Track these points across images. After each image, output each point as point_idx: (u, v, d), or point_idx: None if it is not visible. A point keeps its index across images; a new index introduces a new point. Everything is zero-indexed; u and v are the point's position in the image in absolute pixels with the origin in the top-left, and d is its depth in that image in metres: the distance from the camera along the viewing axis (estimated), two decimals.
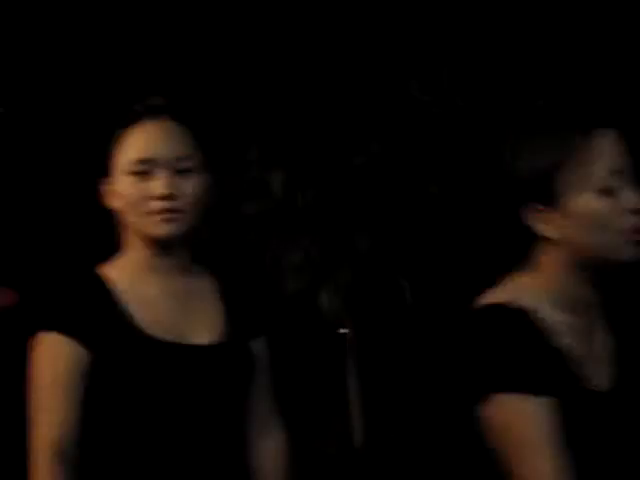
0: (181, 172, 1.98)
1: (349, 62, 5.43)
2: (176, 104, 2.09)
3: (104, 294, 2.01)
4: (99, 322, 1.96)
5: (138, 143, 1.99)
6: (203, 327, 2.04)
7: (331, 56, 5.37)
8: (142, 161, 1.97)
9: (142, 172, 1.97)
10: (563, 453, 1.72)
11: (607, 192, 1.70)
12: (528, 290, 1.78)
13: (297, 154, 5.23)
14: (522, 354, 1.76)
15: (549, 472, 1.71)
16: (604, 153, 1.72)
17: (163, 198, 1.95)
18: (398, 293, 5.13)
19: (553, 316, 1.76)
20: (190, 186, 1.99)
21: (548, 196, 1.71)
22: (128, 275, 2.04)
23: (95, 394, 1.95)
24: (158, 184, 1.96)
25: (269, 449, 2.11)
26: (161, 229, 1.96)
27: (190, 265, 2.08)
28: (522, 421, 1.76)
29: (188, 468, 2.00)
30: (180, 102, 2.11)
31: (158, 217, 1.96)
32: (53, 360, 1.96)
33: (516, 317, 1.73)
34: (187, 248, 2.07)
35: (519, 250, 1.79)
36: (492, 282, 1.88)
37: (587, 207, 1.70)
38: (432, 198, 4.85)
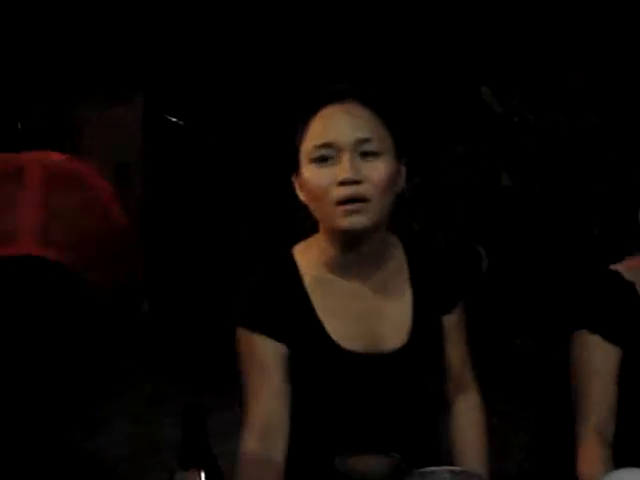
0: (366, 155, 1.78)
1: (440, 77, 5.93)
2: (361, 87, 1.88)
3: (298, 290, 1.88)
4: (291, 321, 1.85)
5: (319, 129, 1.81)
6: (392, 328, 1.90)
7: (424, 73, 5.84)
8: (323, 146, 1.78)
9: (323, 158, 1.78)
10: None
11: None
12: None
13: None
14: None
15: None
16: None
17: (347, 183, 1.75)
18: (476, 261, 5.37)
19: None
20: (377, 170, 1.78)
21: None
22: (317, 268, 1.90)
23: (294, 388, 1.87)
24: (341, 168, 1.76)
25: (462, 412, 2.04)
26: (347, 221, 1.77)
27: (381, 252, 1.90)
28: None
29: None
30: (366, 85, 1.90)
31: (343, 208, 1.76)
32: (250, 355, 1.86)
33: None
34: (378, 238, 1.87)
35: None
36: None
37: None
38: (505, 190, 5.28)
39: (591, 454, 1.97)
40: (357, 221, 1.77)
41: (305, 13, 6.61)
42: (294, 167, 1.85)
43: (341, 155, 1.77)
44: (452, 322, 1.98)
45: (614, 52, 5.49)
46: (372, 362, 1.86)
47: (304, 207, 1.87)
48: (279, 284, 1.88)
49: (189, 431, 1.32)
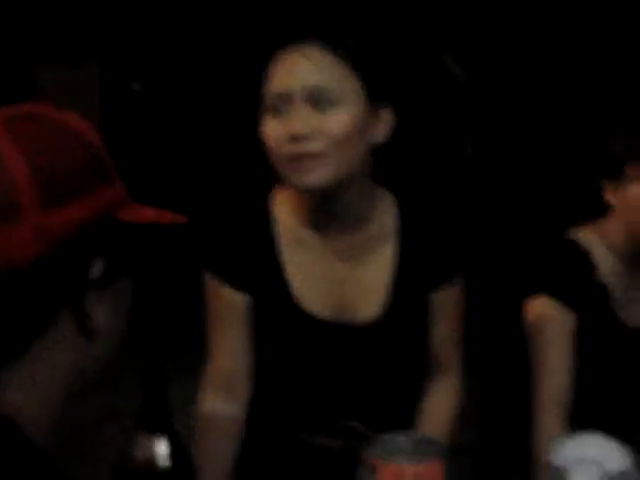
0: (322, 104, 1.61)
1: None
2: (323, 27, 1.69)
3: (268, 240, 1.76)
4: (259, 274, 1.76)
5: (274, 77, 1.65)
6: (366, 298, 1.77)
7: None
8: (276, 96, 1.64)
9: (277, 109, 1.63)
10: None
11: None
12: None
13: None
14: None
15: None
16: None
17: (296, 139, 1.60)
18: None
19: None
20: (333, 122, 1.60)
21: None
22: (292, 222, 1.77)
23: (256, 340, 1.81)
24: (290, 122, 1.61)
25: (434, 394, 1.92)
26: (299, 179, 1.63)
27: (361, 210, 1.73)
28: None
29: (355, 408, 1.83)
30: (330, 25, 1.71)
31: (296, 164, 1.62)
32: (215, 301, 1.79)
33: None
34: (353, 196, 1.71)
35: None
36: None
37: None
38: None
39: (548, 422, 1.99)
40: (309, 180, 1.61)
41: None
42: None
43: (292, 106, 1.62)
44: (439, 300, 1.82)
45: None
46: (337, 331, 1.76)
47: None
48: (249, 232, 1.76)
49: (150, 395, 1.27)
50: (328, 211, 1.71)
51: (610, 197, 2.10)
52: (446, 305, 1.83)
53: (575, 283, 2.09)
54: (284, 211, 1.76)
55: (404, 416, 1.87)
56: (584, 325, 2.09)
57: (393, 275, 1.76)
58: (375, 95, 1.66)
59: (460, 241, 1.84)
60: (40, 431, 1.09)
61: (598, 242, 2.14)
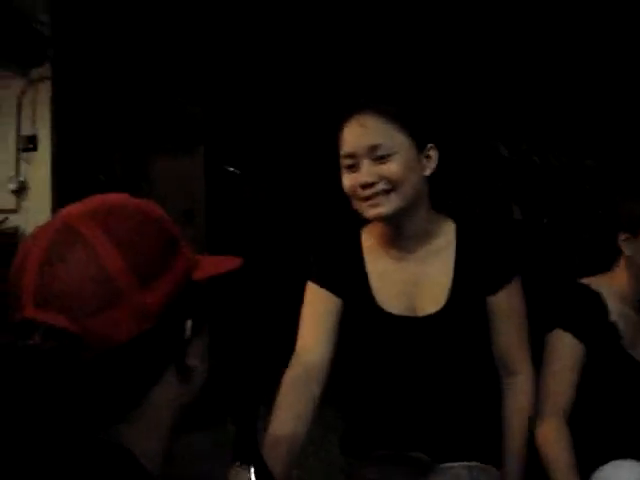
0: (380, 158, 1.93)
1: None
2: (374, 98, 2.01)
3: (356, 256, 2.06)
4: (347, 280, 2.04)
5: (342, 141, 2.00)
6: (428, 297, 2.00)
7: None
8: (346, 156, 1.98)
9: (349, 165, 1.98)
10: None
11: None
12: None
13: None
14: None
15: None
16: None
17: (365, 187, 1.94)
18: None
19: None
20: (390, 169, 1.92)
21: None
22: (374, 243, 2.08)
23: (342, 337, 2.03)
24: (360, 174, 1.95)
25: (514, 392, 2.03)
26: (372, 212, 1.95)
27: (424, 231, 2.02)
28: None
29: (424, 413, 2.00)
30: (379, 95, 2.02)
31: (366, 203, 1.96)
32: (311, 303, 2.05)
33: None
34: (419, 218, 2.01)
35: None
36: None
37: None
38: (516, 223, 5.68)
39: (551, 436, 2.03)
40: (378, 211, 1.94)
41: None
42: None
43: (359, 162, 1.95)
44: (497, 304, 2.00)
45: (607, 103, 5.86)
46: (406, 323, 1.97)
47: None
48: (343, 249, 2.07)
49: (241, 432, 1.38)
50: (398, 231, 2.02)
51: (624, 247, 2.17)
52: (504, 309, 2.00)
53: (586, 319, 2.15)
54: (368, 234, 2.10)
55: (470, 417, 2.03)
56: (596, 358, 2.15)
57: (453, 279, 2.00)
58: (421, 141, 1.98)
59: (506, 254, 2.03)
60: (151, 462, 1.13)
61: (608, 287, 2.21)
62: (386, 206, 1.93)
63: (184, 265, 1.14)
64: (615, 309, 2.18)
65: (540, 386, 2.09)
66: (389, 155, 1.93)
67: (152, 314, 1.08)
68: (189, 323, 1.15)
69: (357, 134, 1.95)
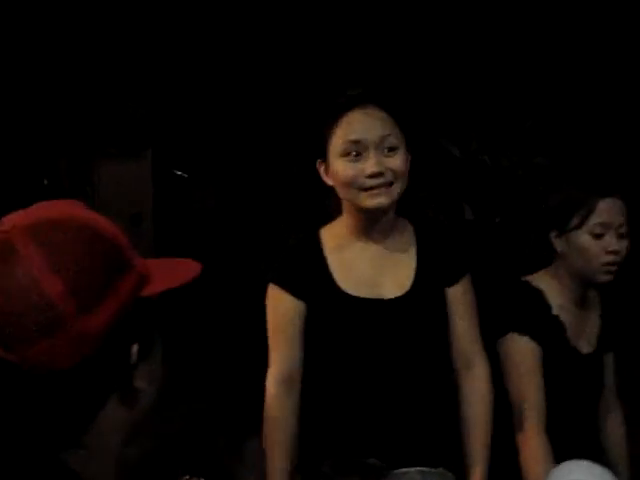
0: (388, 150, 1.97)
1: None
2: (377, 92, 2.05)
3: (317, 254, 2.06)
4: (309, 279, 2.03)
5: (346, 129, 1.99)
6: (394, 283, 2.04)
7: None
8: (352, 142, 1.97)
9: (352, 153, 1.97)
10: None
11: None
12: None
13: None
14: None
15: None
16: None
17: (374, 176, 1.95)
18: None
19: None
20: (396, 162, 1.97)
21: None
22: (338, 238, 2.08)
23: (307, 338, 2.04)
24: (368, 163, 1.96)
25: (472, 383, 2.08)
26: (372, 202, 1.97)
27: (392, 226, 2.08)
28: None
29: (385, 410, 2.02)
30: (381, 90, 2.06)
31: (369, 192, 1.97)
32: (274, 308, 2.06)
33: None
34: (391, 214, 2.07)
35: None
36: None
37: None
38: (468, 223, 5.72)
39: (534, 445, 2.10)
40: (379, 201, 1.98)
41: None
42: (322, 158, 2.05)
43: (367, 151, 1.97)
44: (456, 295, 2.08)
45: (558, 101, 5.98)
46: (372, 306, 2.01)
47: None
48: (304, 251, 2.08)
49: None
50: (373, 224, 2.05)
51: (555, 244, 2.23)
52: (462, 300, 2.08)
53: (536, 319, 2.19)
54: (329, 232, 2.12)
55: (428, 417, 2.07)
56: (547, 356, 2.19)
57: (416, 268, 2.07)
58: (409, 139, 2.06)
59: (461, 251, 2.14)
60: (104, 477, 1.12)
61: (548, 284, 2.26)
62: (387, 197, 1.97)
63: (132, 284, 1.09)
64: (556, 304, 2.21)
65: (512, 395, 2.14)
66: (396, 148, 1.98)
67: (95, 340, 1.04)
68: (135, 348, 1.10)
69: (366, 123, 1.97)
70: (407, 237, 2.11)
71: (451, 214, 5.76)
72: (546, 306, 2.21)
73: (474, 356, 2.10)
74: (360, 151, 1.98)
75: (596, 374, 2.30)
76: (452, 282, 2.08)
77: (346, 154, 1.99)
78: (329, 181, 2.06)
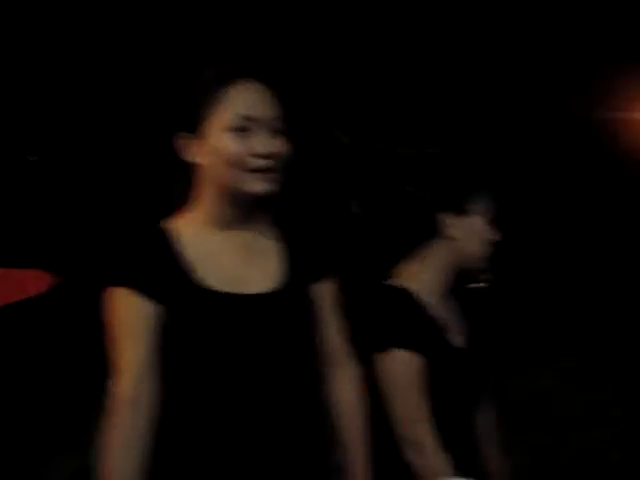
0: (276, 133, 1.89)
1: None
2: (269, 72, 1.98)
3: (166, 247, 1.91)
4: (161, 275, 1.89)
5: (238, 101, 1.89)
6: (262, 277, 1.96)
7: None
8: (245, 117, 1.87)
9: (243, 129, 1.88)
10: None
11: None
12: None
13: None
14: None
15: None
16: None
17: (263, 157, 1.87)
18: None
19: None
20: (282, 147, 1.90)
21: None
22: (194, 229, 1.96)
23: (164, 342, 1.89)
24: (260, 142, 1.88)
25: (343, 386, 2.03)
26: (260, 186, 1.88)
27: (257, 217, 1.99)
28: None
29: (255, 414, 1.93)
30: (269, 68, 1.99)
31: (257, 175, 1.87)
32: (122, 313, 1.90)
33: None
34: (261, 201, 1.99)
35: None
36: None
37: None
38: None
39: (438, 470, 2.08)
40: (270, 186, 1.88)
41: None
42: (193, 132, 1.88)
43: (257, 130, 1.87)
44: (323, 291, 2.02)
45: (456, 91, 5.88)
46: (240, 301, 1.91)
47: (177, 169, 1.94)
48: (151, 247, 1.92)
49: None
50: (245, 211, 1.93)
51: (450, 230, 2.20)
52: (329, 297, 2.02)
53: (415, 328, 2.15)
54: (181, 223, 1.95)
55: (306, 415, 1.99)
56: (431, 361, 2.14)
57: (282, 262, 1.98)
58: (290, 129, 1.96)
59: (328, 244, 2.07)
60: None
61: (417, 281, 2.21)
62: (274, 184, 1.87)
63: None
64: (429, 302, 2.18)
65: (397, 413, 2.11)
66: (281, 132, 1.89)
67: None
68: None
69: (259, 99, 1.89)
70: (269, 228, 2.01)
71: (337, 207, 5.52)
72: (420, 309, 2.15)
73: (346, 358, 2.02)
74: (250, 128, 1.87)
75: (472, 367, 2.24)
76: (320, 277, 2.00)
77: (234, 129, 1.86)
78: (199, 159, 1.89)
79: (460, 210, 2.21)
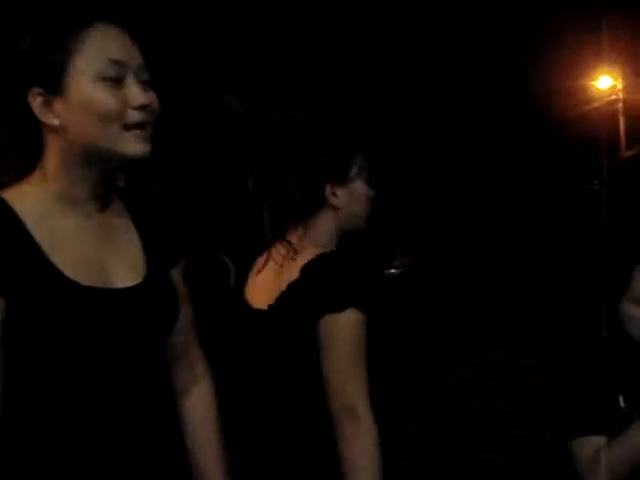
0: (144, 84, 1.62)
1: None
2: (123, 13, 1.64)
3: (10, 228, 1.58)
4: (10, 261, 1.56)
5: (108, 44, 1.59)
6: (124, 266, 1.69)
7: None
8: (116, 62, 1.58)
9: (117, 78, 1.57)
10: None
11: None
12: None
13: None
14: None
15: None
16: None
17: (141, 108, 1.59)
18: None
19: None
20: (155, 99, 1.63)
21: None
22: (36, 205, 1.63)
23: (12, 340, 1.59)
24: (136, 92, 1.59)
25: (194, 384, 1.87)
26: (136, 147, 1.59)
27: (110, 195, 1.72)
28: None
29: (114, 415, 1.68)
30: (125, 12, 1.64)
31: (134, 132, 1.58)
32: None
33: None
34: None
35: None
36: None
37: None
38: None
39: (350, 434, 1.99)
40: (147, 148, 1.61)
41: None
42: (52, 86, 1.55)
43: (127, 79, 1.58)
44: (176, 277, 1.82)
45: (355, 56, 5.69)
46: (103, 296, 1.63)
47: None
48: None
49: None
50: (105, 185, 1.67)
51: (332, 200, 2.18)
52: (180, 287, 1.83)
53: (358, 287, 2.08)
54: (25, 200, 1.61)
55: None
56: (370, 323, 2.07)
57: (142, 249, 1.75)
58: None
59: (181, 228, 1.89)
60: None
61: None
62: (149, 144, 1.60)
63: None
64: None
65: (329, 382, 2.03)
66: (149, 84, 1.62)
67: None
68: None
69: (124, 42, 1.60)
70: (122, 211, 1.75)
71: (230, 182, 5.20)
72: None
73: (198, 359, 1.89)
74: (121, 76, 1.57)
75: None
76: (175, 263, 1.82)
77: (103, 78, 1.56)
78: (58, 120, 1.56)
79: (343, 180, 2.20)
